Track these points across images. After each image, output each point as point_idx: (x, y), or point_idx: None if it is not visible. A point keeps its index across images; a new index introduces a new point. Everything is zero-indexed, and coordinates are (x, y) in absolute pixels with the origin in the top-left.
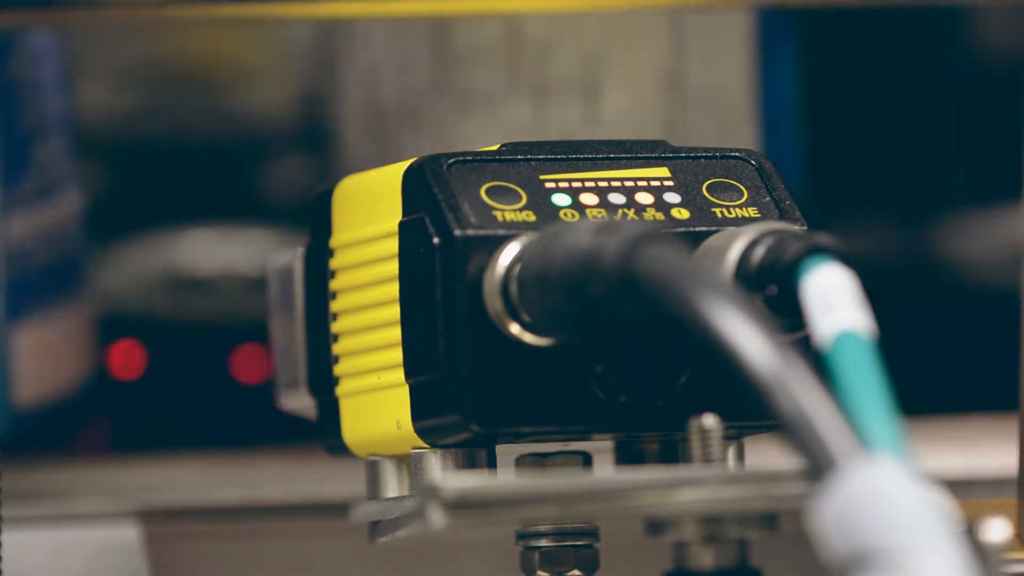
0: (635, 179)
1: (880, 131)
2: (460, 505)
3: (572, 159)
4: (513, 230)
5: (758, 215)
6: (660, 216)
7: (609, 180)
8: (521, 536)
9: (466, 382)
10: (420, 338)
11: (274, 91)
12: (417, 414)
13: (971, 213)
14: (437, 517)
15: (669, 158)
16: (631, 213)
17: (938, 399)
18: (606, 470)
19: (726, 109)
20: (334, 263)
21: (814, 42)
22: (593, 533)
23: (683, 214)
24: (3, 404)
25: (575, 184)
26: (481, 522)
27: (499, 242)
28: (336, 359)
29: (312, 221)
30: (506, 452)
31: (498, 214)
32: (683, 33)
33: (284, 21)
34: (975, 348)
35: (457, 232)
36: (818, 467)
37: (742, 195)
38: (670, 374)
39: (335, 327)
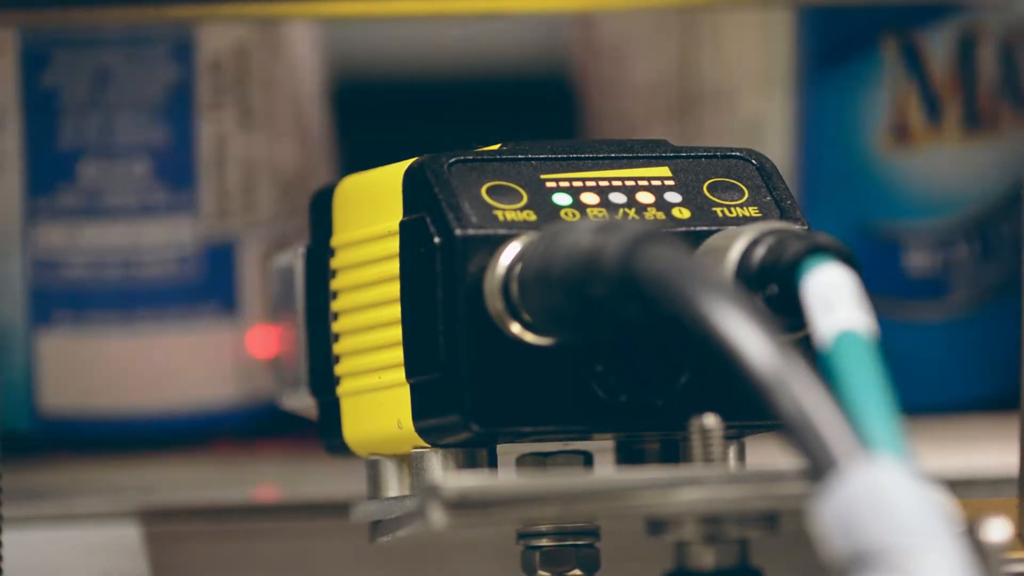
0: (636, 178)
1: None
2: (461, 505)
3: (573, 158)
4: (514, 230)
5: (759, 215)
6: (661, 216)
7: (610, 179)
8: (522, 536)
9: (467, 382)
10: (421, 337)
11: None
12: (418, 414)
13: None
14: (438, 517)
15: (670, 157)
16: (632, 212)
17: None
18: (607, 470)
19: None
20: (335, 262)
21: None
22: (594, 533)
23: (684, 214)
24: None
25: (576, 183)
26: (482, 522)
27: (500, 242)
28: (337, 359)
29: (313, 220)
30: (507, 452)
31: (499, 214)
32: None
33: (285, 20)
34: None
35: (458, 232)
36: (819, 467)
37: (743, 195)
38: (671, 374)
39: (336, 327)
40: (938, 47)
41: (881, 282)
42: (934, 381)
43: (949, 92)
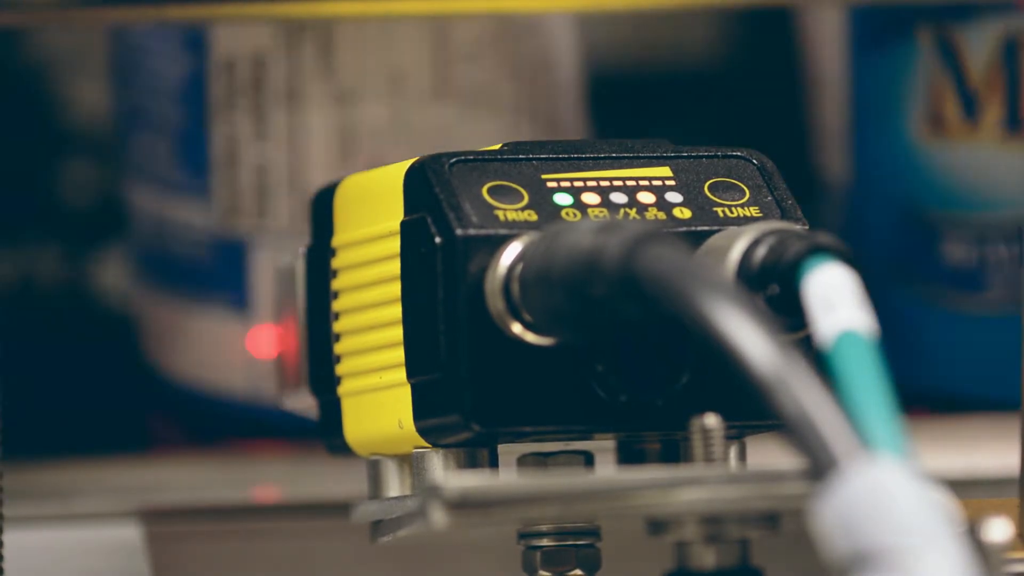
0: (637, 178)
1: None
2: (462, 505)
3: (574, 158)
4: (515, 230)
5: (760, 215)
6: (662, 216)
7: (611, 179)
8: (523, 536)
9: (467, 382)
10: (422, 337)
11: None
12: (419, 413)
13: None
14: (439, 517)
15: (671, 157)
16: (633, 212)
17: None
18: (607, 470)
19: None
20: (336, 262)
21: None
22: (595, 533)
23: (685, 214)
24: None
25: (577, 183)
26: (483, 522)
27: (501, 242)
28: (338, 359)
29: (314, 220)
30: (508, 451)
31: (500, 213)
32: None
33: (286, 20)
34: None
35: (459, 232)
36: (819, 467)
37: (744, 195)
38: (671, 373)
39: (337, 327)
40: (977, 45)
41: (919, 268)
42: (960, 371)
43: (988, 92)
